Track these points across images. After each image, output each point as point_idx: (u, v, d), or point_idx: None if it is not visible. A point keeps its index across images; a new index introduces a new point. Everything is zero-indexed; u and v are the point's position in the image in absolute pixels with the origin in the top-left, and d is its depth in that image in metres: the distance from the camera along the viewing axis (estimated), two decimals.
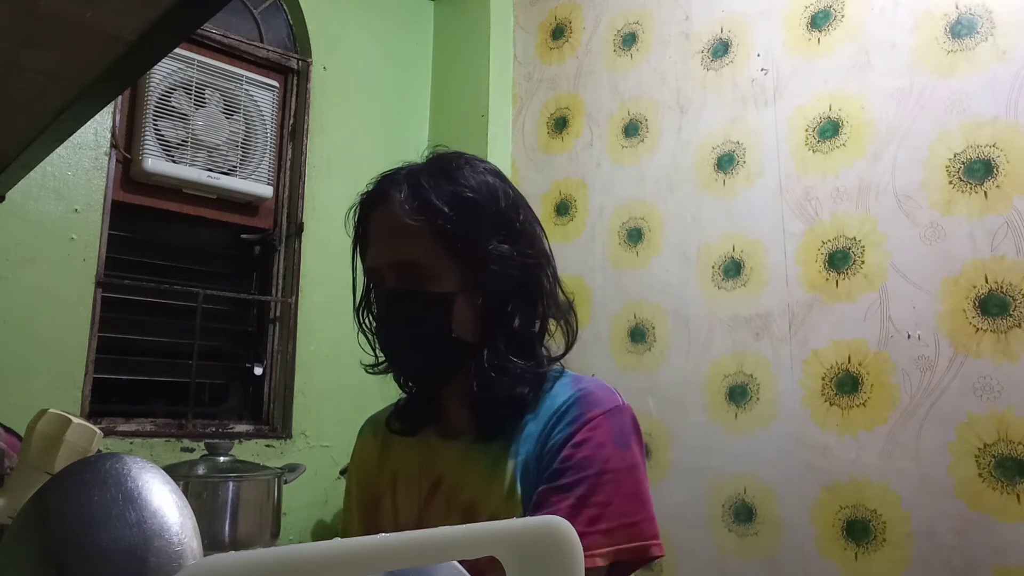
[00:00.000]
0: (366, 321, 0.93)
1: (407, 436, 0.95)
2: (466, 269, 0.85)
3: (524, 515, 0.80)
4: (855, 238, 1.75)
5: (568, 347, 0.93)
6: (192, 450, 1.92)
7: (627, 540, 0.78)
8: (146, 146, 1.95)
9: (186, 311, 2.06)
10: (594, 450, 0.80)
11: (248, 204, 2.21)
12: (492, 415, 0.87)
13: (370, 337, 0.92)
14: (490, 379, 0.85)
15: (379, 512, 0.94)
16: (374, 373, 0.94)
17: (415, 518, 0.89)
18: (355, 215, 0.92)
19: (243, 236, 2.25)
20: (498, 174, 0.92)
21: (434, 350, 0.87)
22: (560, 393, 0.86)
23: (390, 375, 0.94)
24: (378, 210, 0.88)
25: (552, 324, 0.92)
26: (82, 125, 0.92)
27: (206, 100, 2.07)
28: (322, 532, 2.13)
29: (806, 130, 1.87)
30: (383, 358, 0.92)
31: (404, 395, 0.99)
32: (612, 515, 0.78)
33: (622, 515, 0.78)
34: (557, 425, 0.83)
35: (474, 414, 0.89)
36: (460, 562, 0.45)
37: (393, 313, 0.88)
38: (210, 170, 2.05)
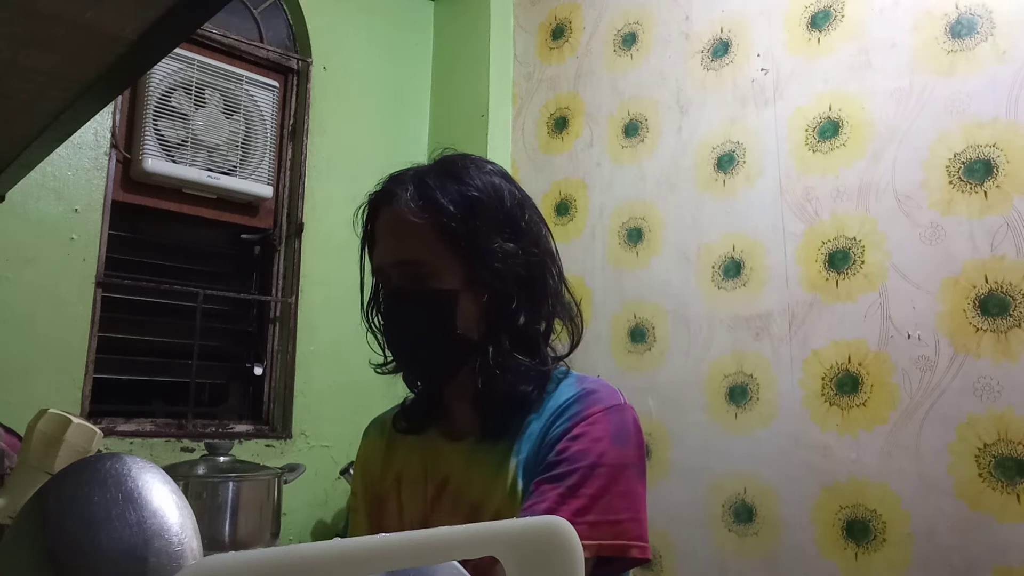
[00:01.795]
0: (375, 320, 0.93)
1: (413, 435, 0.95)
2: (471, 267, 0.85)
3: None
4: (855, 238, 1.75)
5: (572, 346, 0.93)
6: (192, 450, 1.92)
7: (609, 537, 0.77)
8: (146, 146, 1.95)
9: (186, 311, 2.06)
10: (590, 444, 0.80)
11: (248, 204, 2.21)
12: (496, 413, 0.87)
13: (379, 337, 0.92)
14: (494, 376, 0.85)
15: (384, 512, 0.95)
16: (383, 373, 0.94)
17: (421, 518, 0.89)
18: (363, 214, 0.92)
19: (243, 236, 2.25)
20: (504, 175, 0.92)
21: (439, 347, 0.87)
22: (563, 392, 0.87)
23: (398, 375, 0.94)
24: (384, 209, 0.89)
25: (558, 324, 0.93)
26: (82, 125, 0.93)
27: (206, 100, 2.07)
28: (322, 532, 2.13)
29: (806, 130, 1.87)
30: (392, 357, 0.93)
31: (410, 395, 0.99)
32: (599, 509, 0.77)
33: (608, 511, 0.78)
34: (557, 421, 0.83)
35: (478, 412, 0.89)
36: (460, 562, 0.45)
37: (399, 310, 0.89)
38: (210, 170, 2.05)
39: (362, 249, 0.94)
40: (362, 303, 0.94)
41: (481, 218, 0.85)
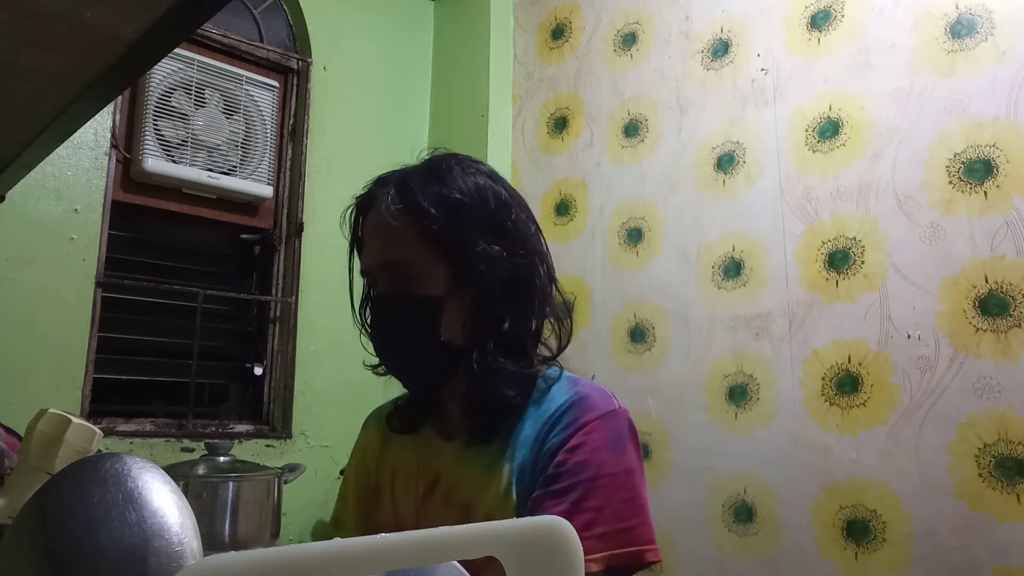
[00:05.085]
0: (366, 322, 0.93)
1: (406, 435, 0.96)
2: (455, 270, 0.85)
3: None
4: (855, 238, 1.75)
5: (560, 348, 0.92)
6: (192, 450, 1.92)
7: (621, 545, 0.77)
8: (146, 146, 1.95)
9: (186, 311, 2.06)
10: (589, 455, 0.80)
11: (248, 204, 2.21)
12: (483, 417, 0.87)
13: (371, 338, 0.93)
14: (479, 380, 0.85)
15: (378, 507, 0.95)
16: (378, 374, 0.95)
17: (413, 515, 0.90)
18: (351, 217, 0.93)
19: (243, 236, 2.25)
20: (492, 175, 0.91)
21: (424, 352, 0.87)
22: (557, 396, 0.86)
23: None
24: (370, 212, 0.90)
25: (548, 325, 0.92)
26: (82, 125, 0.93)
27: (206, 100, 2.07)
28: (322, 532, 2.13)
29: (806, 130, 1.87)
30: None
31: (405, 393, 0.99)
32: (606, 520, 0.77)
33: (617, 520, 0.78)
34: (553, 430, 0.83)
35: (467, 415, 0.89)
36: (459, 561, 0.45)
37: (384, 315, 0.89)
38: (210, 170, 2.05)
39: (351, 252, 0.94)
40: (352, 305, 0.94)
41: (463, 220, 0.85)
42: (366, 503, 0.97)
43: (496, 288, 0.85)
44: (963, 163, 1.64)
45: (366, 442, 1.02)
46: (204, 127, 2.06)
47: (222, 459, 1.64)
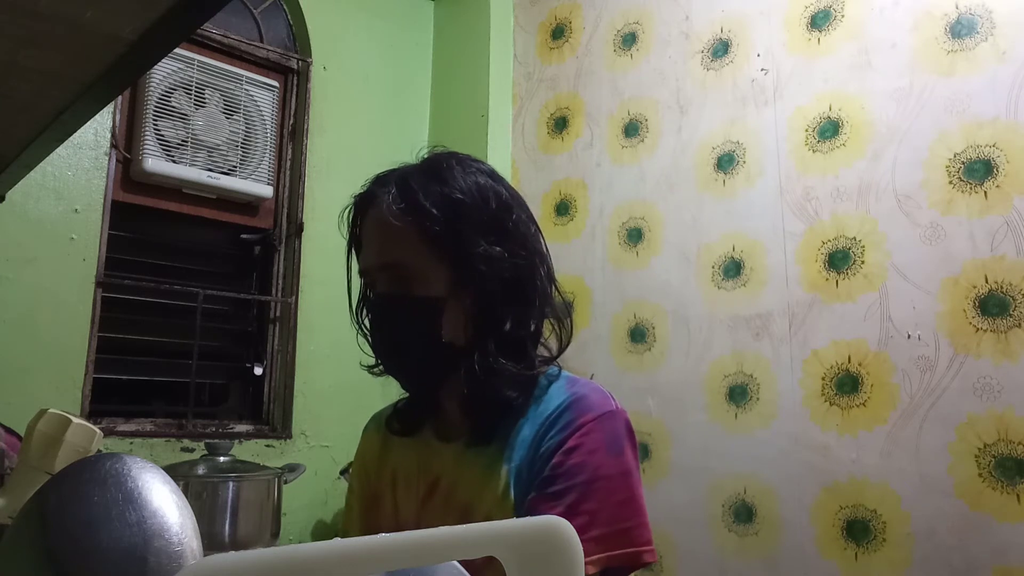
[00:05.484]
0: (364, 322, 0.93)
1: (406, 437, 0.95)
2: (455, 271, 0.84)
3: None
4: (855, 238, 1.75)
5: (561, 349, 0.92)
6: (192, 450, 1.92)
7: (618, 547, 0.77)
8: (146, 146, 1.95)
9: (186, 311, 2.06)
10: (585, 456, 0.80)
11: (248, 204, 2.21)
12: (483, 418, 0.87)
13: (368, 339, 0.92)
14: (480, 382, 0.84)
15: (379, 510, 0.95)
16: (375, 374, 0.94)
17: (414, 517, 0.89)
18: (349, 216, 0.92)
19: (243, 236, 2.24)
20: (492, 174, 0.91)
21: (424, 354, 0.87)
22: (554, 396, 0.86)
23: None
24: (368, 212, 0.89)
25: (548, 325, 0.92)
26: (82, 125, 0.93)
27: (206, 100, 2.07)
28: (322, 532, 2.14)
29: (806, 130, 1.87)
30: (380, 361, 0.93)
31: (404, 396, 0.99)
32: (603, 522, 0.77)
33: (613, 522, 0.78)
34: (550, 431, 0.82)
35: (467, 417, 0.89)
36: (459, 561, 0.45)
37: (384, 316, 0.88)
38: (210, 170, 2.05)
39: (349, 251, 0.93)
40: (350, 305, 0.94)
41: (464, 221, 0.84)
42: (369, 509, 0.97)
43: (497, 289, 0.85)
44: (963, 163, 1.64)
45: (366, 447, 1.02)
46: (204, 127, 2.06)
47: (222, 459, 1.64)
